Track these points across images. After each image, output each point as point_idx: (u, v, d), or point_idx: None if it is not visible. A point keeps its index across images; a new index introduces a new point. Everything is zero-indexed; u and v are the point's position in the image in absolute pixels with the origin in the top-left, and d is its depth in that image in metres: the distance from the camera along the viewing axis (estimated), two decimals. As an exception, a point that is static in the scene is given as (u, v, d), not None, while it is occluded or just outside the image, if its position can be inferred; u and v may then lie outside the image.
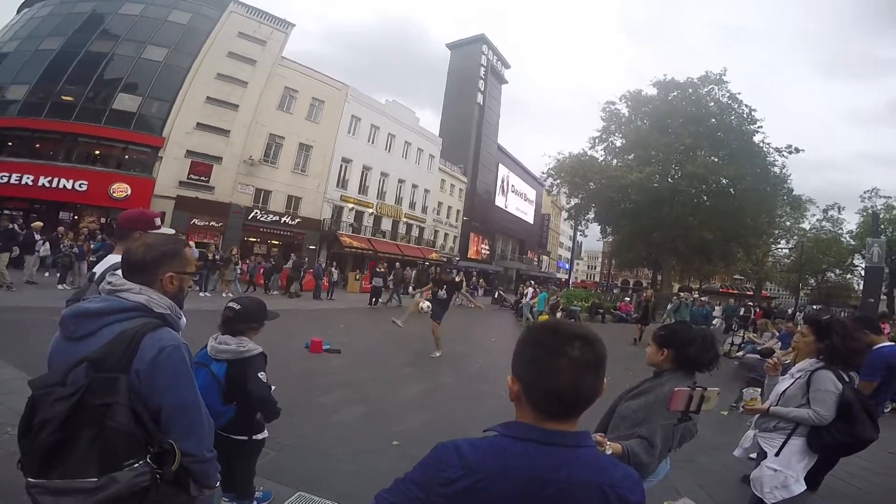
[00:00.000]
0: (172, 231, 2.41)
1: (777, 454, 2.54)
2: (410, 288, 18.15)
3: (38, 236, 11.49)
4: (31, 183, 17.99)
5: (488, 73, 42.67)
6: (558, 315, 14.89)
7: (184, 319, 1.50)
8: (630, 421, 1.85)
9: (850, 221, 34.03)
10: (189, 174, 21.17)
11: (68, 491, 1.10)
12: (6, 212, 16.66)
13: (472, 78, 41.56)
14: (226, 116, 22.26)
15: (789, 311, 22.64)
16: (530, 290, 17.07)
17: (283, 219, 24.24)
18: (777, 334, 8.75)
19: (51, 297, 9.28)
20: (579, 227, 30.96)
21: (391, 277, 17.61)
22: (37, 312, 7.68)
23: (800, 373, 2.60)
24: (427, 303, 8.56)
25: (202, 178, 21.55)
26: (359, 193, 28.83)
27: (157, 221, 2.19)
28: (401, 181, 32.36)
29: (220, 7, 23.09)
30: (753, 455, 2.84)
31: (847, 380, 2.53)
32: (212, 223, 21.67)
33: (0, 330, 6.48)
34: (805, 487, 2.53)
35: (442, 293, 8.42)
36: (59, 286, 10.72)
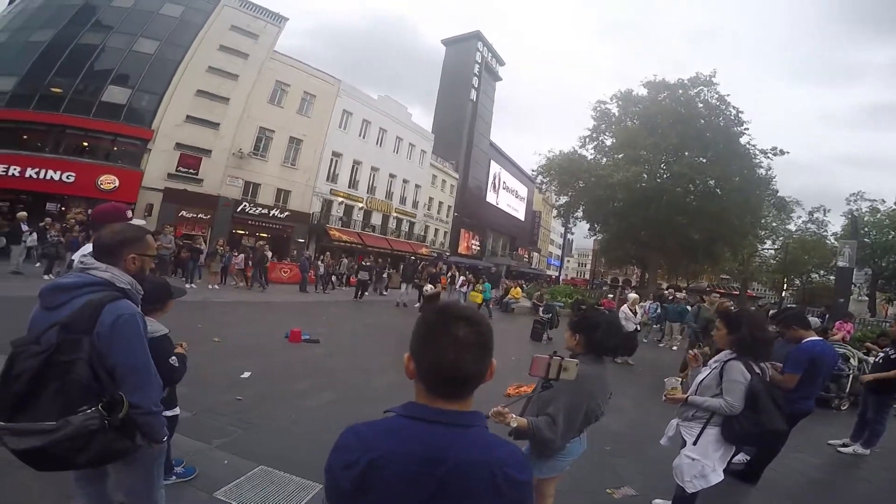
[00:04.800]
0: (143, 222, 2.63)
1: (695, 443, 2.59)
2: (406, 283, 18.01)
3: (24, 226, 11.45)
4: (17, 174, 17.87)
5: (482, 70, 42.84)
6: (540, 310, 15.14)
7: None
8: (542, 401, 2.00)
9: (835, 223, 34.41)
10: (178, 167, 21.10)
11: (31, 432, 1.33)
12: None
13: (467, 74, 41.68)
14: (216, 109, 22.20)
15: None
16: (461, 277, 17.01)
17: (271, 212, 24.25)
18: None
19: (35, 287, 9.37)
20: (568, 225, 31.27)
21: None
22: (21, 302, 7.77)
23: (716, 363, 2.69)
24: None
25: (191, 170, 21.48)
26: (349, 188, 28.87)
27: (129, 213, 2.44)
28: (392, 176, 32.43)
29: (213, 1, 23.00)
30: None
31: (758, 371, 2.61)
32: (200, 215, 21.65)
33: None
34: (722, 477, 2.58)
35: (430, 287, 8.99)
36: (46, 276, 10.56)
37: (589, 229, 27.79)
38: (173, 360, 2.25)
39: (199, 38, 22.07)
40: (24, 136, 19.20)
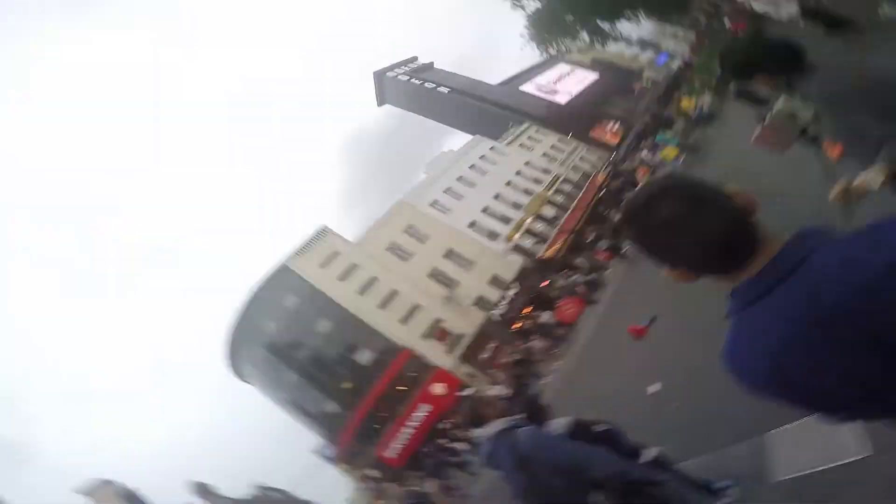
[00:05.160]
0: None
1: None
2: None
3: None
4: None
5: (420, 76, 44.13)
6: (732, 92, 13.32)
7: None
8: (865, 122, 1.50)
9: None
10: (442, 342, 25.23)
11: None
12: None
13: (419, 92, 43.37)
14: (397, 303, 26.35)
15: None
16: (645, 151, 16.08)
17: (507, 294, 26.50)
18: None
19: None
20: (621, 36, 27.32)
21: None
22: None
23: None
24: None
25: (448, 338, 25.61)
26: (505, 225, 30.75)
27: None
28: (508, 184, 33.45)
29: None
30: None
31: None
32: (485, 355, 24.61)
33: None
34: None
35: None
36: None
37: (630, 20, 23.77)
38: (596, 427, 2.52)
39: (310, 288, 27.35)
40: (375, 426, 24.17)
